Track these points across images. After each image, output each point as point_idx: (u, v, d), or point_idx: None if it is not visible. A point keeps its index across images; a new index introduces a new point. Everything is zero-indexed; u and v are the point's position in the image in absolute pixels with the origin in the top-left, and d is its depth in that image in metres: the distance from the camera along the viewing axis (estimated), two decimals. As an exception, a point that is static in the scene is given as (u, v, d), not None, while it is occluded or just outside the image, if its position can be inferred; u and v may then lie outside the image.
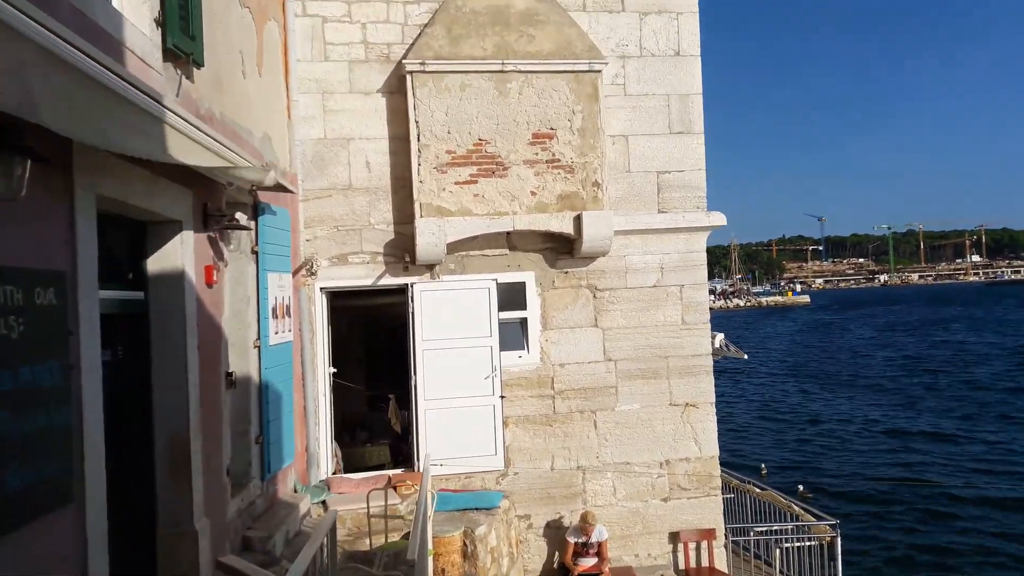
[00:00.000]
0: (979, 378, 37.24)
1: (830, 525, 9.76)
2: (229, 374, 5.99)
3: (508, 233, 9.17)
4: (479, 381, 9.04)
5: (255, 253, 6.72)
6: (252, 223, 6.66)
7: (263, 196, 6.75)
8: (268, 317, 6.79)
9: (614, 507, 9.33)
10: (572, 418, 9.42)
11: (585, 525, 8.61)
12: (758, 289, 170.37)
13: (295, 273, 8.18)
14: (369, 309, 11.82)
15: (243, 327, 6.50)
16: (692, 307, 9.75)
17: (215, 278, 5.71)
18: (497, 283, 9.14)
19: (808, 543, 9.79)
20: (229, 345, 6.12)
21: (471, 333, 9.05)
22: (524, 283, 9.44)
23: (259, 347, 6.61)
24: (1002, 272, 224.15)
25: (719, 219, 9.76)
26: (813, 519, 10.18)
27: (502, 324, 9.16)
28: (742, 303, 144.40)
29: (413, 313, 8.91)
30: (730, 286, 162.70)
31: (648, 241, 9.65)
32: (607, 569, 8.55)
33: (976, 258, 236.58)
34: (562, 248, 9.40)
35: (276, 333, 7.02)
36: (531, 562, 9.12)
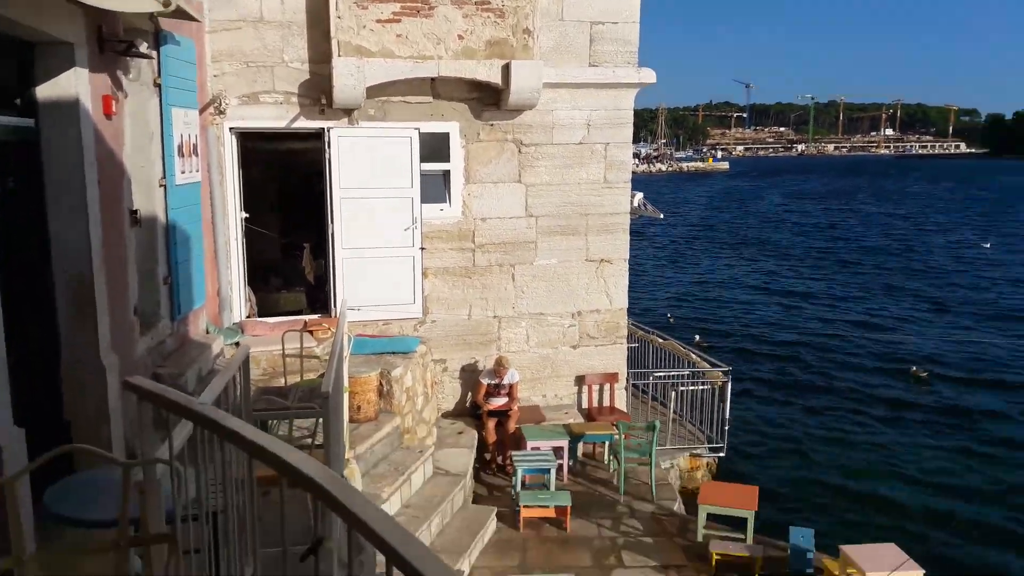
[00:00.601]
0: (876, 246, 39.40)
1: (722, 371, 10.47)
2: (133, 212, 5.76)
3: (432, 79, 8.85)
4: (399, 232, 8.99)
5: (157, 86, 6.31)
6: (153, 52, 6.20)
7: (165, 24, 6.25)
8: (174, 155, 6.48)
9: (527, 353, 9.72)
10: (491, 271, 9.56)
11: (499, 368, 8.98)
12: (681, 155, 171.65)
13: (202, 110, 7.75)
14: (283, 153, 11.41)
15: (147, 164, 6.19)
16: (615, 166, 9.80)
17: (114, 109, 5.36)
18: (419, 132, 8.91)
19: (701, 387, 10.52)
20: (133, 182, 5.85)
21: (391, 183, 8.89)
22: (448, 134, 9.25)
23: (165, 186, 6.35)
24: (911, 147, 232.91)
25: (649, 76, 9.64)
26: (708, 366, 10.91)
27: (424, 175, 9.02)
28: (664, 168, 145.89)
29: (330, 160, 8.65)
30: (655, 150, 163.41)
31: (576, 96, 9.50)
32: (516, 407, 9.02)
33: (889, 132, 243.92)
34: (488, 99, 9.17)
35: (183, 172, 6.73)
36: (445, 402, 9.53)
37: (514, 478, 8.04)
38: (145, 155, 6.16)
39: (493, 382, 9.05)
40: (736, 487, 7.95)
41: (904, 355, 18.49)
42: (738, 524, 7.49)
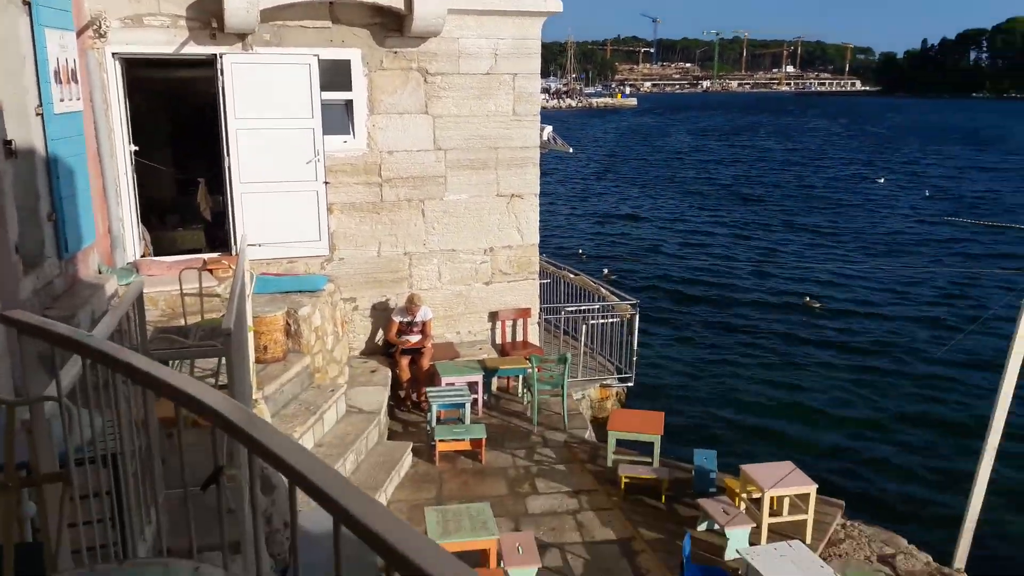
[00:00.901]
0: (777, 182, 40.80)
1: (631, 304, 10.72)
2: (7, 143, 5.30)
3: (331, 2, 8.44)
4: (300, 166, 8.66)
5: (27, 4, 5.74)
6: (19, -35, 5.63)
7: (30, -68, 5.67)
8: (50, 81, 5.96)
9: (439, 290, 9.65)
10: (400, 206, 9.37)
11: (411, 306, 8.89)
12: (590, 90, 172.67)
13: (80, 33, 7.15)
14: (174, 82, 10.74)
15: (20, 91, 5.67)
16: (524, 98, 9.67)
17: (-24, 28, 4.87)
18: (319, 59, 8.52)
19: (611, 320, 10.76)
20: (4, 110, 5.37)
21: (290, 113, 8.51)
22: (349, 61, 8.87)
23: (42, 115, 5.85)
24: (810, 84, 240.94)
25: (555, 4, 9.48)
26: (616, 300, 11.14)
27: (325, 106, 8.68)
28: (574, 103, 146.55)
29: (224, 88, 8.17)
30: (564, 85, 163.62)
31: (483, 23, 9.25)
32: (429, 344, 8.99)
33: (790, 69, 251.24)
34: (391, 24, 8.83)
35: (62, 100, 6.21)
36: (356, 341, 9.40)
37: (429, 414, 8.06)
38: (17, 81, 5.64)
39: (405, 320, 8.97)
40: (643, 414, 8.22)
41: (801, 289, 19.35)
42: (646, 449, 7.78)
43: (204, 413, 1.64)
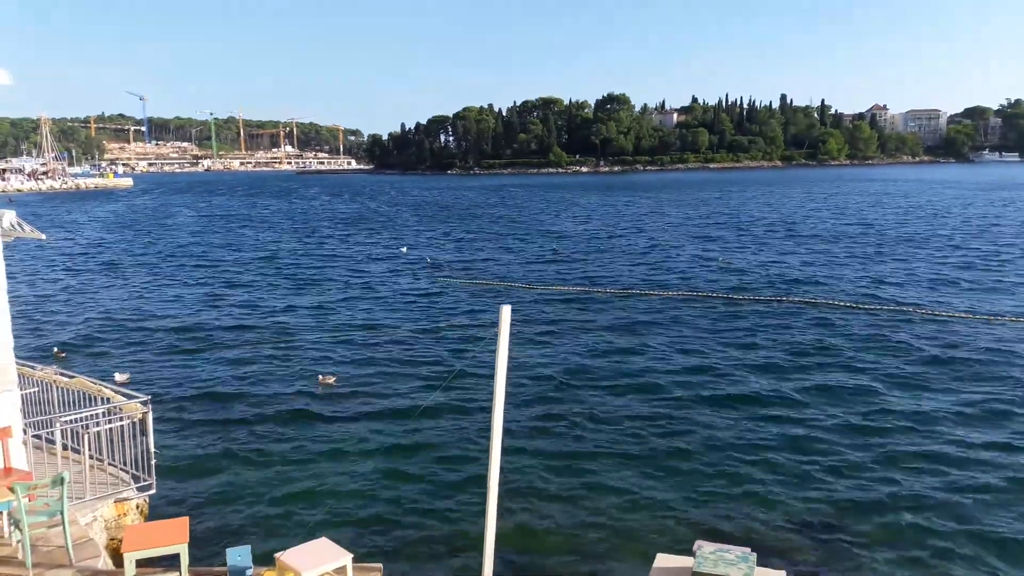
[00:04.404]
0: (303, 263, 41.64)
1: (141, 402, 9.67)
2: None
3: None
4: None
5: None
6: None
7: None
8: None
9: None
10: None
11: None
12: (76, 170, 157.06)
13: None
14: None
15: None
16: (-28, 179, 8.11)
17: None
18: None
19: (120, 423, 9.56)
20: None
21: None
22: None
23: None
24: (310, 163, 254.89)
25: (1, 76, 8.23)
26: (124, 399, 9.96)
27: None
28: (58, 185, 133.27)
29: None
30: (42, 166, 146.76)
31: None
32: None
33: (289, 148, 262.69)
34: None
35: None
36: None
37: None
38: None
39: None
40: (163, 523, 7.39)
41: (313, 367, 19.38)
42: (175, 561, 6.99)
43: None
